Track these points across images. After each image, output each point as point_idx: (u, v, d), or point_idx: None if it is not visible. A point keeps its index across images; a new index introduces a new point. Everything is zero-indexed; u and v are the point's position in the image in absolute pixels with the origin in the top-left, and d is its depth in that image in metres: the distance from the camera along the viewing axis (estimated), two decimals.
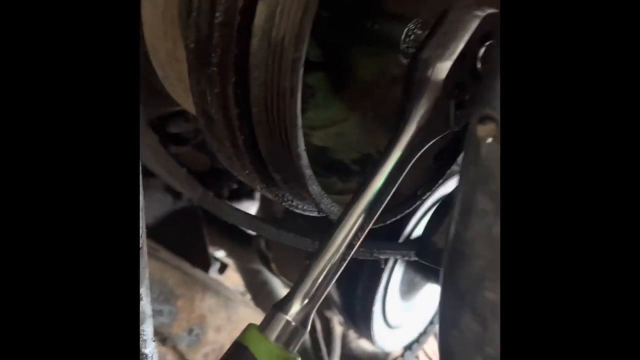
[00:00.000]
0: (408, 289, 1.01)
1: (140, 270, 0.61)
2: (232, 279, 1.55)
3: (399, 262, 0.94)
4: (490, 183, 0.37)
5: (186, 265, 1.04)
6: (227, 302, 1.02)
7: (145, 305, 0.63)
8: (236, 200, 1.40)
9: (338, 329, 1.29)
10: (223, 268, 1.23)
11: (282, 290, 1.50)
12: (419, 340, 1.09)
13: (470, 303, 0.43)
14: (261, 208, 1.43)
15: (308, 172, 0.52)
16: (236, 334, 0.92)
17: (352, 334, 1.47)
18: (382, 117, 0.77)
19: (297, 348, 0.50)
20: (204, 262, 1.17)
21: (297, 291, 0.49)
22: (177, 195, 1.16)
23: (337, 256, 0.49)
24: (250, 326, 0.50)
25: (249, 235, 1.38)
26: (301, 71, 0.45)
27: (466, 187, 0.39)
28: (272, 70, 0.47)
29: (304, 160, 0.51)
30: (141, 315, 0.63)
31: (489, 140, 0.36)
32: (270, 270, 1.17)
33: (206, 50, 0.50)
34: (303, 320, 0.48)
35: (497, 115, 0.35)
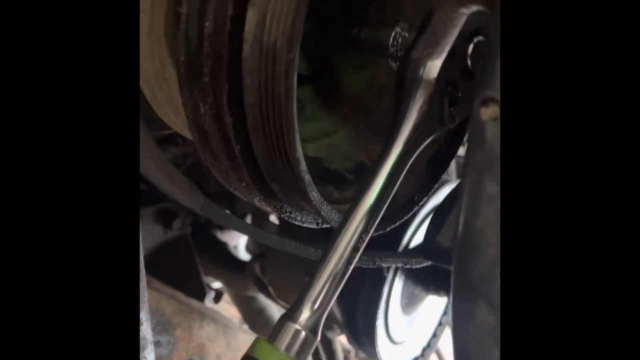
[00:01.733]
0: (409, 302, 0.99)
1: (140, 294, 0.59)
2: (228, 310, 1.51)
3: (398, 275, 0.93)
4: (497, 166, 0.37)
5: (181, 295, 1.01)
6: (225, 329, 1.00)
7: (146, 330, 0.61)
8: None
9: (340, 349, 1.26)
10: (218, 297, 1.20)
11: (279, 316, 1.47)
12: (423, 355, 1.07)
13: (484, 294, 0.42)
14: None
15: (307, 177, 0.51)
16: None
17: (353, 357, 1.44)
18: (372, 127, 0.77)
19: (308, 357, 0.48)
20: (199, 292, 1.14)
21: (305, 298, 0.47)
22: (167, 225, 1.14)
23: (343, 260, 0.48)
24: (259, 338, 0.48)
25: (243, 262, 1.36)
26: (295, 73, 0.45)
27: (473, 173, 0.38)
28: (266, 76, 0.47)
29: (303, 165, 0.50)
30: (142, 341, 0.61)
31: (493, 122, 0.36)
32: (268, 294, 1.15)
33: (197, 61, 0.49)
34: (313, 328, 0.47)
35: (499, 96, 0.35)
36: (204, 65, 0.49)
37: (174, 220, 1.13)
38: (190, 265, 1.18)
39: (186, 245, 1.18)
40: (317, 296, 0.48)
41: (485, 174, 0.37)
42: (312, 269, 0.49)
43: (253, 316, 1.45)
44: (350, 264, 0.49)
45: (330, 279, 0.48)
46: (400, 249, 0.87)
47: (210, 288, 1.22)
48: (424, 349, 1.08)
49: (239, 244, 1.46)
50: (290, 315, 0.47)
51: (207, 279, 1.35)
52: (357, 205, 0.50)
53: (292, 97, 0.46)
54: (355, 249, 0.49)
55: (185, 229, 1.17)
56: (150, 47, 0.62)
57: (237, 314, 1.53)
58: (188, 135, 0.69)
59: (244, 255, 1.43)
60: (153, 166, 0.37)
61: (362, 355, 1.54)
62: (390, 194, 0.51)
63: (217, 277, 1.40)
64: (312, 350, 0.49)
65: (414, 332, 1.06)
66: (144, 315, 0.60)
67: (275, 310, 1.45)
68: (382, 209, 0.50)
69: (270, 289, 1.12)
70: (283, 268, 1.09)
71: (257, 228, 0.54)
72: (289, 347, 0.46)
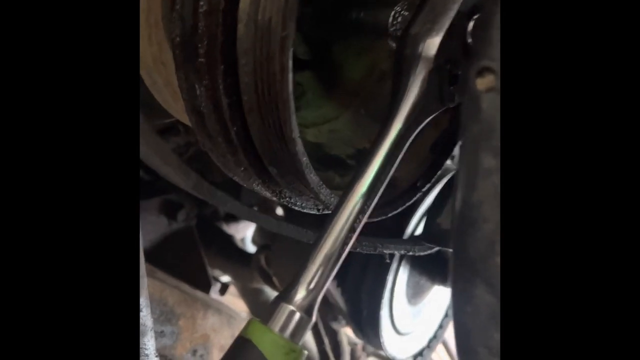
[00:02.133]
0: (414, 293, 0.98)
1: (139, 279, 0.59)
2: (235, 303, 1.51)
3: (403, 264, 0.92)
4: (494, 139, 0.36)
5: (185, 285, 1.01)
6: (229, 320, 0.99)
7: (146, 317, 0.61)
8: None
9: (346, 342, 1.26)
10: (224, 289, 1.20)
11: None
12: (429, 346, 1.06)
13: (482, 273, 0.41)
14: (257, 227, 1.41)
15: (304, 159, 0.51)
16: None
17: (360, 350, 1.44)
18: (374, 113, 0.76)
19: (302, 339, 0.48)
20: (204, 284, 1.14)
21: (300, 279, 0.47)
22: (171, 216, 1.14)
23: (339, 241, 0.48)
24: (252, 319, 0.48)
25: (249, 254, 1.36)
26: (291, 50, 0.45)
27: (468, 146, 0.37)
28: (261, 55, 0.47)
29: (299, 146, 0.50)
30: (142, 328, 0.60)
31: (489, 92, 0.35)
32: (273, 286, 1.15)
33: (192, 42, 0.49)
34: (308, 309, 0.46)
35: (495, 66, 0.34)
36: (199, 45, 0.48)
37: (179, 212, 1.13)
38: (195, 257, 1.17)
39: (191, 237, 1.18)
40: (312, 277, 0.47)
41: (482, 147, 0.36)
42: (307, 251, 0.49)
43: (260, 308, 1.45)
44: (347, 244, 0.49)
45: (326, 260, 0.47)
46: (406, 236, 0.86)
47: (217, 280, 1.21)
48: (430, 340, 1.07)
49: (245, 236, 1.45)
50: (285, 296, 0.47)
51: (214, 272, 1.34)
52: (354, 185, 0.49)
53: (287, 75, 0.46)
54: (351, 230, 0.49)
55: (190, 221, 1.17)
56: (148, 31, 0.62)
57: (244, 307, 1.53)
58: (188, 121, 0.69)
59: (250, 248, 1.43)
60: (145, 147, 0.36)
61: (370, 349, 1.53)
62: (388, 174, 0.50)
63: (224, 270, 1.40)
64: (306, 332, 0.48)
65: (420, 323, 1.05)
66: (143, 302, 0.59)
67: None
68: (379, 189, 0.50)
69: (274, 279, 1.12)
70: (288, 259, 1.08)
71: (253, 209, 0.53)
72: (283, 328, 0.46)
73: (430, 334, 1.07)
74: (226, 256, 1.36)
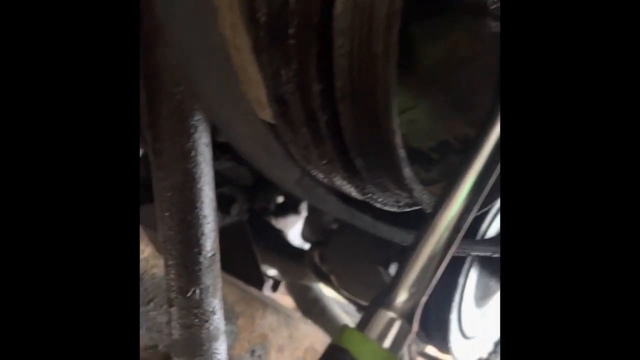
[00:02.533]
0: (482, 295, 0.92)
1: (213, 280, 0.55)
2: (282, 299, 1.48)
3: (474, 266, 0.86)
4: None
5: (241, 283, 0.98)
6: (287, 320, 0.96)
7: (219, 320, 0.57)
8: (282, 215, 1.35)
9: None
10: (276, 285, 1.16)
11: (334, 308, 1.43)
12: (496, 351, 1.01)
13: None
14: (307, 223, 1.37)
15: (401, 151, 0.46)
16: (299, 353, 0.84)
17: (414, 352, 1.39)
18: (453, 102, 0.71)
19: (402, 350, 0.43)
20: (257, 280, 1.10)
21: (400, 282, 0.42)
22: (225, 210, 1.11)
23: (443, 241, 0.43)
24: (347, 327, 0.43)
25: (298, 250, 1.32)
26: (397, 30, 0.40)
27: None
28: (360, 35, 0.42)
29: (399, 137, 0.45)
30: (214, 332, 0.57)
31: None
32: (329, 283, 1.10)
33: (281, 21, 0.44)
34: (409, 316, 0.42)
35: None
36: (288, 26, 0.44)
37: (232, 206, 1.10)
38: (247, 252, 1.14)
39: (243, 232, 1.14)
40: (415, 280, 0.42)
41: None
42: (404, 252, 0.44)
43: (308, 306, 1.41)
44: (450, 246, 0.44)
45: (429, 261, 0.43)
46: (478, 236, 0.80)
47: (268, 276, 1.18)
48: (497, 344, 1.01)
49: (293, 231, 1.42)
50: (382, 301, 0.42)
51: (262, 267, 1.31)
52: (459, 180, 0.44)
53: (391, 57, 0.41)
54: (456, 230, 0.44)
55: (242, 215, 1.14)
56: (222, 13, 0.58)
57: (291, 303, 1.50)
58: (259, 110, 0.65)
59: (299, 243, 1.39)
60: (247, 134, 0.32)
61: (419, 348, 1.48)
62: (496, 166, 0.45)
63: (273, 265, 1.36)
64: (407, 343, 0.43)
65: (485, 326, 0.99)
66: (217, 304, 0.56)
67: (330, 301, 1.41)
68: (487, 185, 0.45)
69: (332, 277, 1.07)
70: (345, 256, 1.04)
71: (354, 210, 0.49)
72: (381, 337, 0.41)
73: (496, 338, 1.02)
74: (275, 251, 1.32)
